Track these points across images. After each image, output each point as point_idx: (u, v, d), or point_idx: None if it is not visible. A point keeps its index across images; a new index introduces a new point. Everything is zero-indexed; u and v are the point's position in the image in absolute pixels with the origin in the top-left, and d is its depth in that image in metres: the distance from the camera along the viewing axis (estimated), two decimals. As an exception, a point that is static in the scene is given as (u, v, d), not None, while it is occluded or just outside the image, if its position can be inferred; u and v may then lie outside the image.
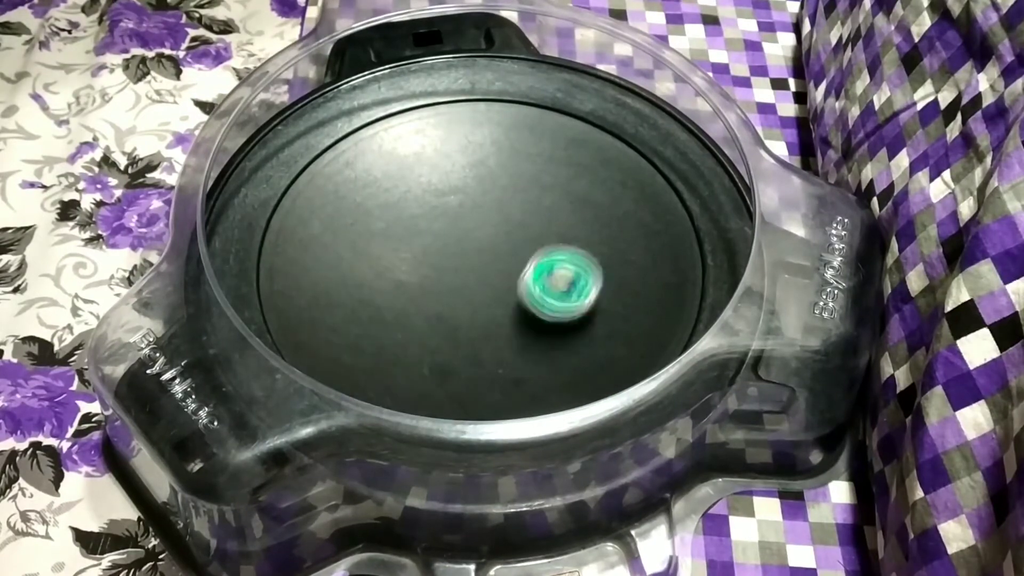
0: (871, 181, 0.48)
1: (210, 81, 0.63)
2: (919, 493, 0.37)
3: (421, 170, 0.50)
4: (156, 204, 0.57)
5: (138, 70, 0.63)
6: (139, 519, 0.45)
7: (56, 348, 0.50)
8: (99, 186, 0.57)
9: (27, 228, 0.55)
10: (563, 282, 0.43)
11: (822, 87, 0.58)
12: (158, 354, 0.40)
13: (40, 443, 0.47)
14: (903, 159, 0.47)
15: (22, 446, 0.47)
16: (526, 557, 0.42)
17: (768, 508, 0.46)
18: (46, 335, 0.51)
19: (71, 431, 0.48)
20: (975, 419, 0.36)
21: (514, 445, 0.39)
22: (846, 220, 0.46)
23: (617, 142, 0.52)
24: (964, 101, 0.44)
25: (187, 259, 0.44)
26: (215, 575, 0.42)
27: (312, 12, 0.67)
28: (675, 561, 0.42)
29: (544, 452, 0.39)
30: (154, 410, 0.39)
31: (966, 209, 0.41)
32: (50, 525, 0.45)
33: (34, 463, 0.46)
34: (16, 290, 0.52)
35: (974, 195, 0.41)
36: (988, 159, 0.41)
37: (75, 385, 0.49)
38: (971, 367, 0.37)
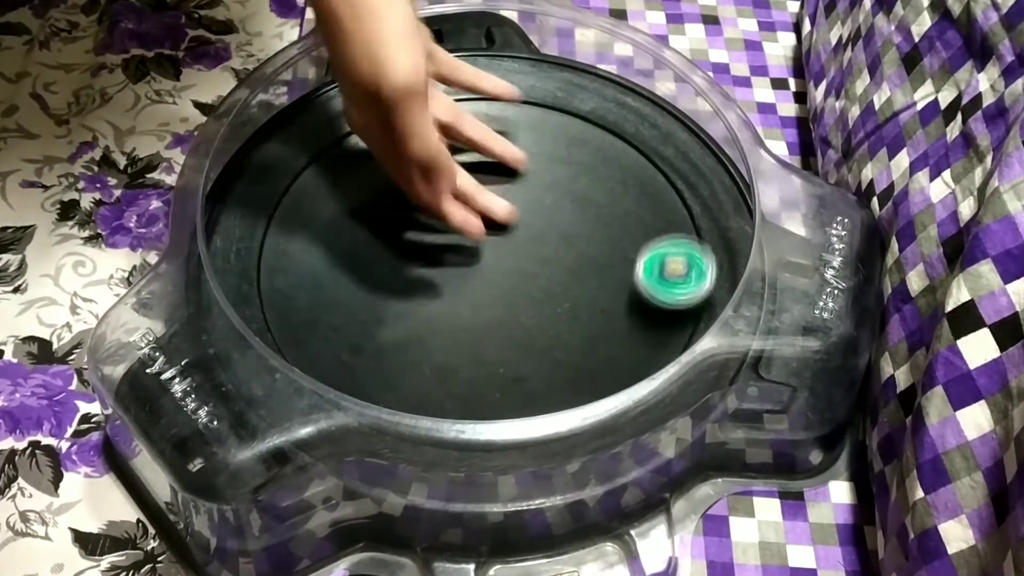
0: (871, 181, 0.48)
1: (209, 81, 0.63)
2: (919, 493, 0.37)
3: (421, 169, 0.50)
4: (155, 204, 0.56)
5: (138, 70, 0.63)
6: (138, 520, 0.45)
7: (55, 346, 0.50)
8: (98, 186, 0.57)
9: (27, 228, 0.55)
10: (679, 269, 0.44)
11: (822, 87, 0.58)
12: (158, 353, 0.40)
13: (39, 442, 0.47)
14: (903, 159, 0.47)
15: (21, 445, 0.47)
16: (525, 557, 0.42)
17: (768, 508, 0.46)
18: (45, 334, 0.51)
19: (70, 431, 0.47)
20: (975, 419, 0.36)
21: (514, 445, 0.39)
22: (846, 220, 0.46)
23: (618, 141, 0.52)
24: (964, 101, 0.44)
25: (187, 259, 0.44)
26: (215, 574, 0.42)
27: (311, 12, 0.67)
28: (674, 561, 0.42)
29: (544, 451, 0.39)
30: (154, 409, 0.39)
31: (966, 209, 0.41)
32: (49, 526, 0.45)
33: (33, 462, 0.46)
34: (16, 290, 0.52)
35: (974, 195, 0.41)
36: (988, 159, 0.41)
37: (74, 384, 0.49)
38: (971, 367, 0.37)
